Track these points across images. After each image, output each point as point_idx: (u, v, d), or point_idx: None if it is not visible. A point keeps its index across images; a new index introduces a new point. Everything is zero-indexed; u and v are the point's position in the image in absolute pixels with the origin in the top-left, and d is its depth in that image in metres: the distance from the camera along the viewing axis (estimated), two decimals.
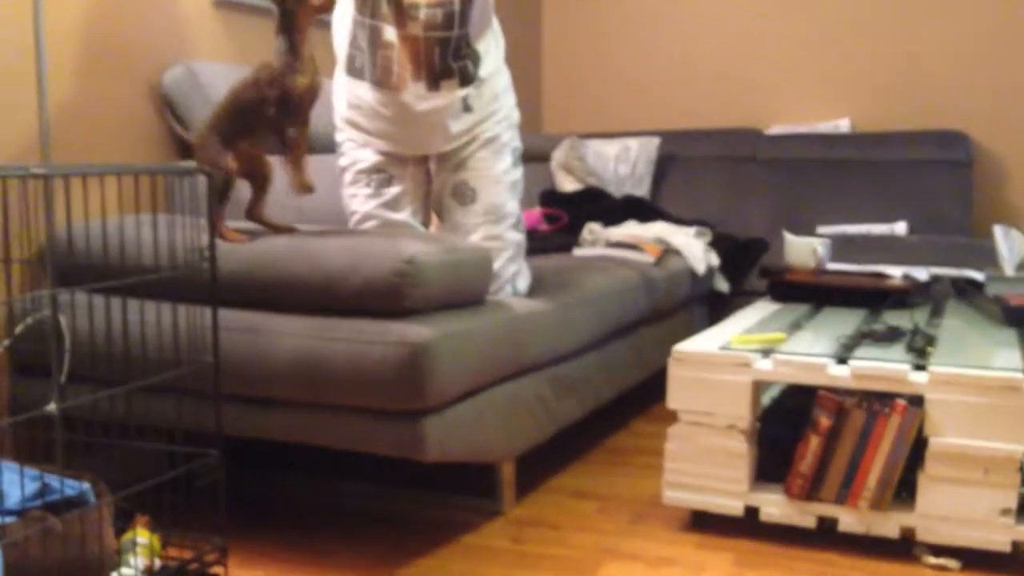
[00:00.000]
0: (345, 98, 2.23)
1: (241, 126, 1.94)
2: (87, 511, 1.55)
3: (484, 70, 2.21)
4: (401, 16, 2.07)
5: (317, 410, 1.86)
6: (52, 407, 1.75)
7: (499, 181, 2.24)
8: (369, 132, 2.20)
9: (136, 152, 2.39)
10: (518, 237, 2.27)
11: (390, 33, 2.09)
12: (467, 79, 2.16)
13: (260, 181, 2.04)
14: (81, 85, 2.24)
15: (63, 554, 1.50)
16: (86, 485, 1.62)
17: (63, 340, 1.92)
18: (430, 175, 2.28)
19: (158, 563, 1.71)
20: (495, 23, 2.24)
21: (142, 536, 1.69)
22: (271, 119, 1.95)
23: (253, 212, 2.04)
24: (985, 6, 3.95)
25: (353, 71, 2.18)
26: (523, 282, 2.28)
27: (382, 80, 2.13)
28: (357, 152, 2.22)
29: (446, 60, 2.11)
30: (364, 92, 2.17)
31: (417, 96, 2.13)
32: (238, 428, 1.93)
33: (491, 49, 2.22)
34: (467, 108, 2.19)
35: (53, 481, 1.59)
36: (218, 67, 2.49)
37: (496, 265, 2.19)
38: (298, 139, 1.97)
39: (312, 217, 2.42)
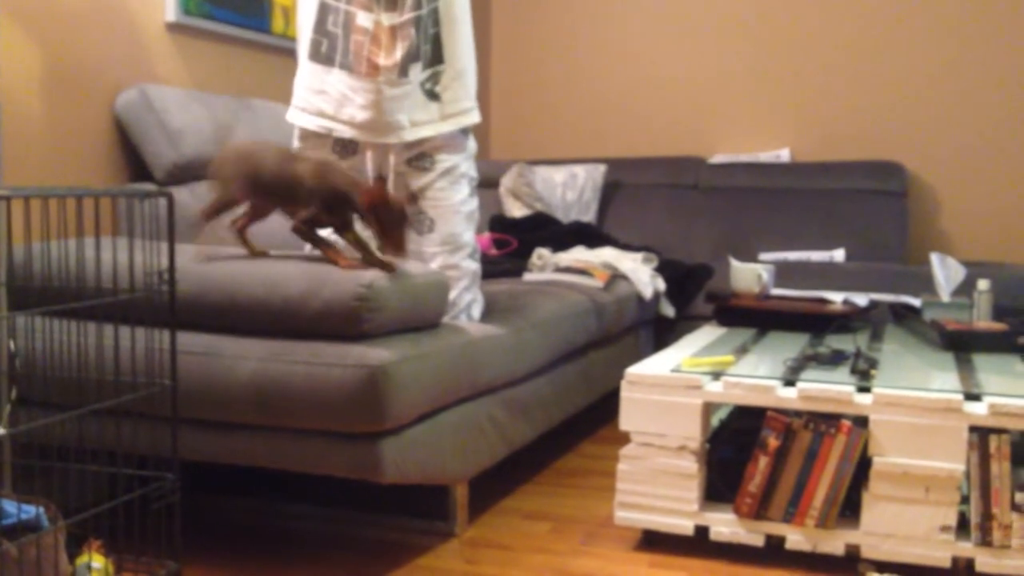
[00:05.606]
0: (305, 86, 2.20)
1: (270, 193, 1.94)
2: (42, 535, 1.54)
3: (458, 63, 2.22)
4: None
5: (275, 433, 1.86)
6: (1, 431, 1.74)
7: (457, 211, 2.26)
8: (334, 119, 2.17)
9: (87, 174, 2.38)
10: (474, 266, 2.29)
11: (363, 19, 2.10)
12: (434, 60, 2.18)
13: (259, 216, 2.04)
14: (35, 107, 2.23)
15: None
16: (40, 509, 1.61)
17: (14, 363, 1.90)
18: None
19: None
20: (468, 28, 2.26)
21: (96, 560, 1.68)
22: (302, 200, 1.92)
23: (239, 226, 2.02)
24: (920, 44, 4.09)
25: (319, 57, 2.16)
26: (477, 310, 2.30)
27: (353, 66, 2.13)
28: None
29: (417, 42, 2.13)
30: (332, 78, 2.15)
31: (388, 81, 2.13)
32: (195, 451, 1.93)
33: (460, 47, 2.23)
34: (433, 96, 2.20)
35: (9, 505, 1.57)
36: (171, 91, 2.49)
37: (452, 294, 2.22)
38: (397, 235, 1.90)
39: (267, 241, 2.43)
